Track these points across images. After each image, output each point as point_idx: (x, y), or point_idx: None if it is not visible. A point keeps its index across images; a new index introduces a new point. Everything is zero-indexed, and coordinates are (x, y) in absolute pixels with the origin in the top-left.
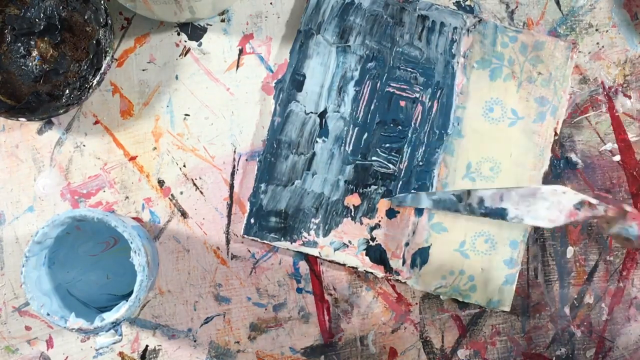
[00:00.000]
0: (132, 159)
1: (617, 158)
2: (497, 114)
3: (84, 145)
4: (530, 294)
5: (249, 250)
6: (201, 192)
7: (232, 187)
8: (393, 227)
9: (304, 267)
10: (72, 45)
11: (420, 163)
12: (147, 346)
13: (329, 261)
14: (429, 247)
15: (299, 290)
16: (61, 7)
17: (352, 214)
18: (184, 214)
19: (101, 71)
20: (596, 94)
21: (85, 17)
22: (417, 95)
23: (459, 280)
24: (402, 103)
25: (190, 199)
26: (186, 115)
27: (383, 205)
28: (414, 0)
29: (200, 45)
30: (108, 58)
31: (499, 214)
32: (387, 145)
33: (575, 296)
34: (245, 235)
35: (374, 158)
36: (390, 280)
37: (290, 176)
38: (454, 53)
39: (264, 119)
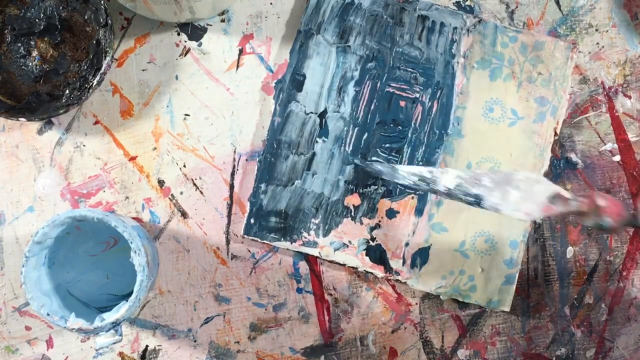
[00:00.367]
0: (132, 159)
1: (617, 158)
2: (497, 114)
3: (84, 145)
4: (530, 294)
5: (249, 250)
6: (201, 192)
7: (232, 187)
8: (393, 227)
9: (304, 267)
10: (72, 45)
11: (420, 163)
12: (147, 346)
13: (329, 261)
14: (429, 247)
15: (299, 290)
16: (61, 7)
17: (352, 214)
18: (184, 214)
19: (101, 71)
20: (596, 94)
21: (85, 17)
22: (417, 95)
23: (459, 280)
24: (402, 103)
25: (190, 199)
26: (186, 115)
27: (383, 205)
28: (413, 1)
29: (200, 45)
30: (108, 58)
31: (475, 199)
32: (387, 145)
33: (575, 296)
34: (245, 236)
35: (374, 158)
36: (390, 281)
37: (290, 176)
38: (454, 53)
39: (264, 119)
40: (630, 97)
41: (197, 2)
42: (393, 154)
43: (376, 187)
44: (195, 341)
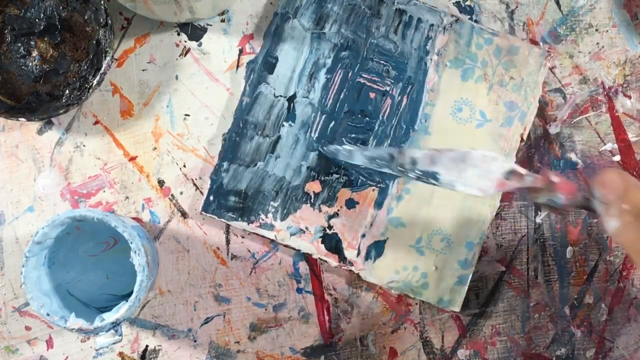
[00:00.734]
0: (132, 159)
1: (617, 158)
2: (466, 115)
3: (84, 146)
4: (530, 294)
5: (249, 250)
6: (201, 192)
7: None
8: (351, 218)
9: (304, 267)
10: (72, 45)
11: None
12: (147, 346)
13: (284, 245)
14: (385, 240)
15: (299, 291)
16: (61, 7)
17: (312, 200)
18: (184, 214)
19: (101, 71)
20: (596, 94)
21: (85, 17)
22: (388, 88)
23: (411, 276)
24: (372, 95)
25: (190, 199)
26: (186, 115)
27: (343, 195)
28: None
29: (200, 45)
30: (108, 58)
31: (431, 177)
32: (353, 135)
33: (575, 296)
34: (203, 213)
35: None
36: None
37: (253, 157)
38: (428, 50)
39: None
40: (630, 97)
41: (197, 2)
42: (358, 144)
43: (338, 176)
44: (195, 341)
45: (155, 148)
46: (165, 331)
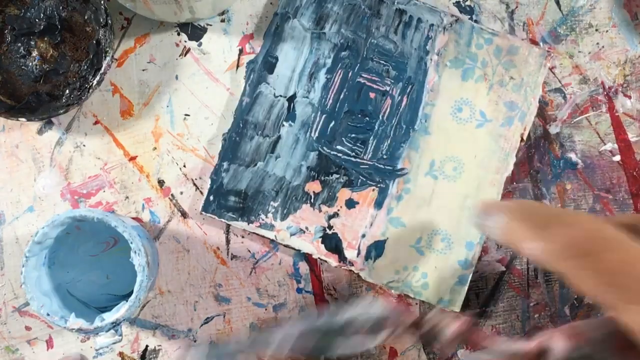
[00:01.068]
0: (132, 159)
1: (617, 158)
2: (466, 115)
3: (84, 145)
4: (530, 294)
5: (249, 250)
6: (201, 192)
7: None
8: (351, 218)
9: (304, 267)
10: (72, 45)
11: (385, 156)
12: (147, 346)
13: (284, 245)
14: (385, 240)
15: (299, 291)
16: (61, 7)
17: (312, 200)
18: (184, 214)
19: (101, 71)
20: (596, 94)
21: (85, 17)
22: (388, 88)
23: (411, 276)
24: (372, 95)
25: (190, 199)
26: (186, 115)
27: (343, 194)
28: None
29: (200, 45)
30: (108, 58)
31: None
32: (353, 135)
33: (575, 296)
34: (203, 213)
35: (338, 147)
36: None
37: (253, 157)
38: (428, 50)
39: None
40: (630, 97)
41: (197, 2)
42: (358, 144)
43: (338, 176)
44: (195, 341)
45: (155, 148)
46: (165, 331)
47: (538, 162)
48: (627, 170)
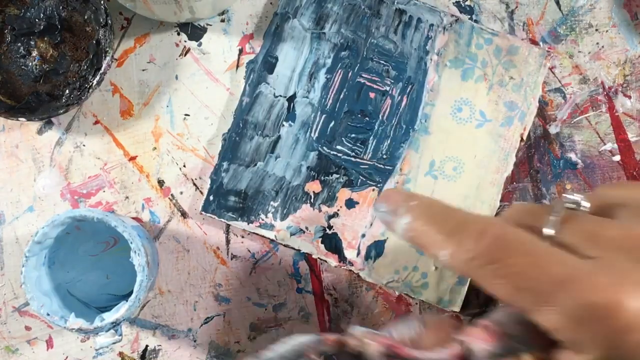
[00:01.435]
0: (132, 159)
1: (617, 158)
2: (466, 114)
3: (84, 145)
4: None
5: (249, 250)
6: (201, 192)
7: None
8: (351, 217)
9: (304, 267)
10: (72, 45)
11: (385, 156)
12: (147, 346)
13: (284, 245)
14: (385, 240)
15: (299, 290)
16: (61, 7)
17: (312, 200)
18: (184, 214)
19: (101, 71)
20: (596, 94)
21: (85, 17)
22: (388, 88)
23: (411, 276)
24: (372, 95)
25: (190, 199)
26: (186, 115)
27: (343, 194)
28: None
29: (200, 45)
30: (108, 58)
31: None
32: (353, 135)
33: None
34: (203, 212)
35: (338, 147)
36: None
37: (253, 157)
38: (428, 50)
39: None
40: (630, 97)
41: (197, 2)
42: (358, 144)
43: (338, 176)
44: (195, 341)
45: (155, 148)
46: (165, 331)
47: (538, 162)
48: (627, 170)
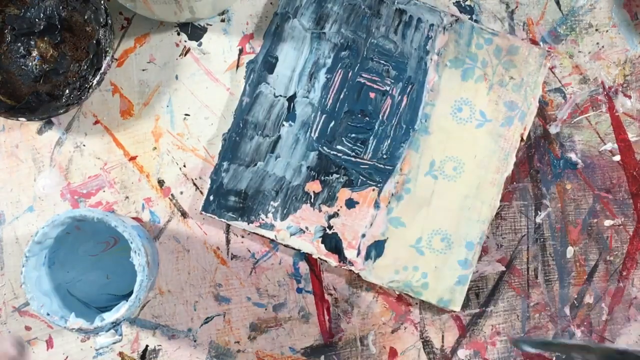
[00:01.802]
0: (132, 159)
1: (617, 158)
2: (466, 114)
3: (84, 145)
4: (530, 294)
5: (249, 250)
6: (201, 192)
7: None
8: (351, 217)
9: (304, 267)
10: (72, 45)
11: (385, 156)
12: (147, 346)
13: (284, 245)
14: (385, 240)
15: (299, 290)
16: (61, 7)
17: (312, 200)
18: (184, 214)
19: (101, 71)
20: (596, 94)
21: (85, 17)
22: (388, 88)
23: (412, 276)
24: (372, 95)
25: (190, 199)
26: (186, 115)
27: (343, 194)
28: None
29: (200, 45)
30: (108, 58)
31: None
32: (353, 135)
33: (575, 296)
34: (203, 212)
35: (338, 147)
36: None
37: (253, 157)
38: (428, 50)
39: None
40: (630, 97)
41: (197, 2)
42: (358, 144)
43: (338, 176)
44: (195, 341)
45: (155, 148)
46: (165, 331)
47: (538, 162)
48: (627, 170)
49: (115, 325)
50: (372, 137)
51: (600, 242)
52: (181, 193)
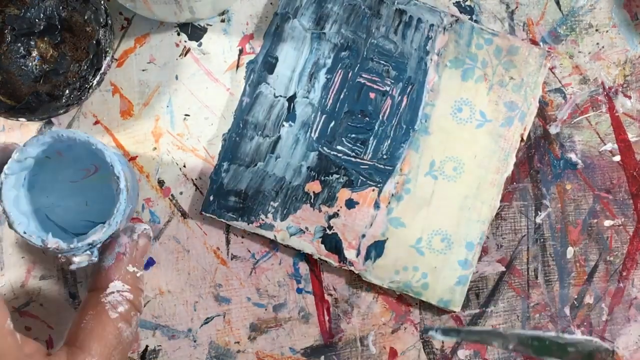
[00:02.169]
0: (132, 159)
1: (617, 158)
2: (466, 115)
3: None
4: (530, 294)
5: (249, 250)
6: (201, 192)
7: None
8: (351, 218)
9: (304, 267)
10: (72, 45)
11: (385, 156)
12: (147, 346)
13: (284, 245)
14: (385, 240)
15: (299, 291)
16: (61, 7)
17: (312, 200)
18: (184, 214)
19: (101, 71)
20: (596, 94)
21: (85, 17)
22: (388, 88)
23: (412, 276)
24: (372, 95)
25: (190, 199)
26: (186, 115)
27: (343, 195)
28: None
29: (200, 45)
30: (108, 58)
31: None
32: (353, 135)
33: (575, 296)
34: (203, 213)
35: (338, 147)
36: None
37: (253, 157)
38: (428, 50)
39: None
40: (630, 97)
41: (197, 2)
42: (358, 144)
43: (338, 176)
44: (195, 341)
45: (155, 148)
46: (165, 331)
47: (538, 162)
48: (627, 171)
49: (92, 247)
50: (372, 138)
51: (600, 243)
52: (181, 193)
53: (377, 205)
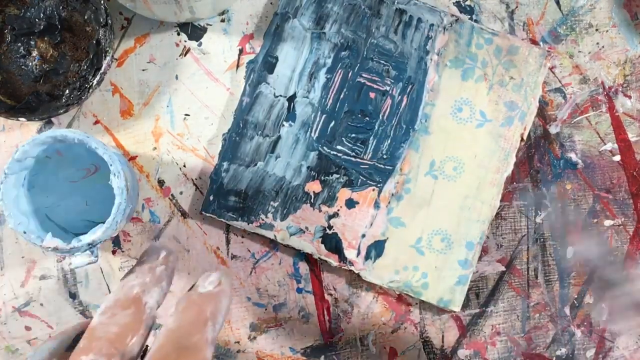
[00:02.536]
0: (132, 159)
1: (617, 158)
2: (466, 114)
3: None
4: (530, 294)
5: (249, 250)
6: (201, 192)
7: None
8: (351, 217)
9: (304, 267)
10: (72, 45)
11: (385, 156)
12: (147, 346)
13: (285, 245)
14: (385, 240)
15: (299, 290)
16: (61, 7)
17: (312, 200)
18: (184, 214)
19: (101, 71)
20: (596, 94)
21: (85, 17)
22: (388, 88)
23: (412, 276)
24: (372, 95)
25: (190, 199)
26: (186, 115)
27: (343, 194)
28: None
29: (200, 45)
30: (108, 58)
31: None
32: (353, 135)
33: (575, 296)
34: (203, 212)
35: (338, 147)
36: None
37: (253, 157)
38: (428, 50)
39: None
40: (630, 97)
41: (197, 2)
42: (358, 144)
43: (338, 176)
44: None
45: (155, 148)
46: None
47: (538, 162)
48: (627, 170)
49: (92, 246)
50: (372, 137)
51: (600, 243)
52: (181, 193)
53: (377, 205)
